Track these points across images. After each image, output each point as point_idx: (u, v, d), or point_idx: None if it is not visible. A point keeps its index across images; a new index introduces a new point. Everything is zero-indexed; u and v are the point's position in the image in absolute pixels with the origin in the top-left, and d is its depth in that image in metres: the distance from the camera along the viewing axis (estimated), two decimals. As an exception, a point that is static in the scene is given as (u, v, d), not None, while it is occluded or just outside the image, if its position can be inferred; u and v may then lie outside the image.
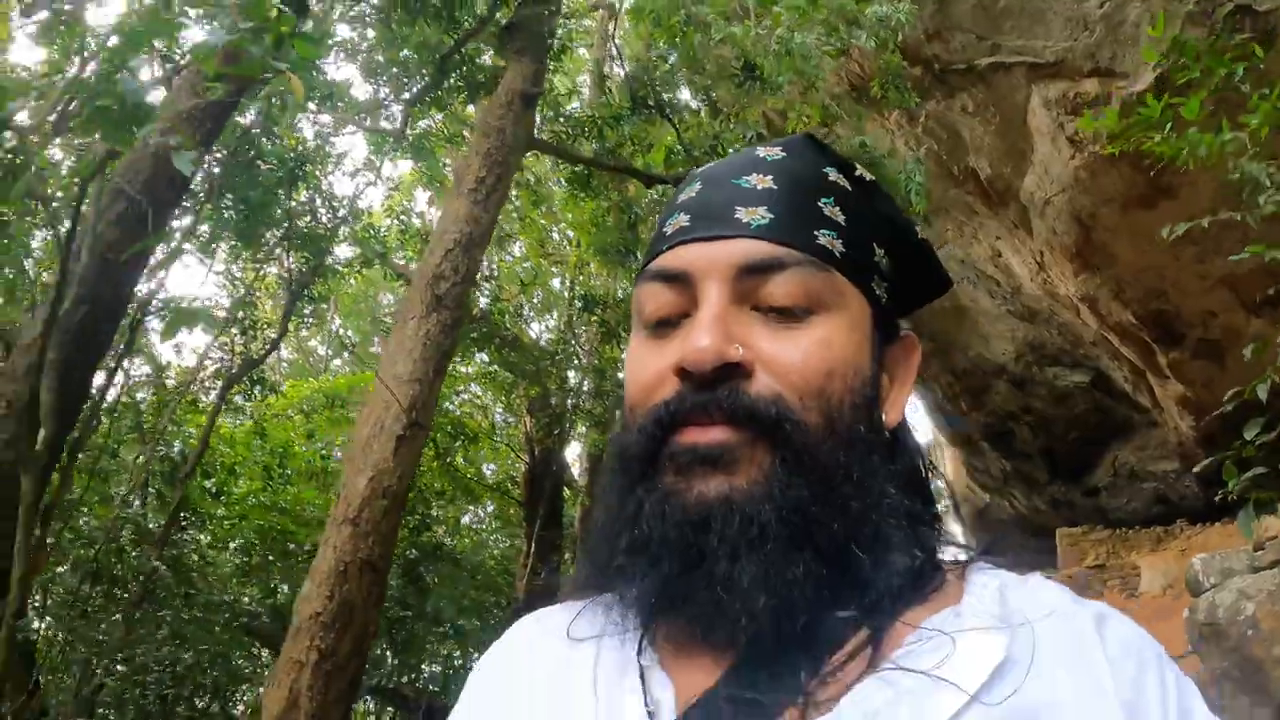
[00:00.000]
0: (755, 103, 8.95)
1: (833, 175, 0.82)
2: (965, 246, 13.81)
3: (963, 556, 0.80)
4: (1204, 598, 6.11)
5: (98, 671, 8.78)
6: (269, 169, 9.47)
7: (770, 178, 0.79)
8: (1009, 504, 16.26)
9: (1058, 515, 14.83)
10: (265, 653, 11.91)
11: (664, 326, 0.77)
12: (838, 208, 0.79)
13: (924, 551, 0.76)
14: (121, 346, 8.70)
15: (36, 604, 8.71)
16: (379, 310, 19.55)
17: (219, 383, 10.89)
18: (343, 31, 10.93)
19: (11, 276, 8.30)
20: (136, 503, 9.97)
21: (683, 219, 0.79)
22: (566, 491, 15.42)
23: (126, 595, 9.33)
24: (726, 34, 7.70)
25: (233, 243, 10.49)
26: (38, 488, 4.55)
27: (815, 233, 0.76)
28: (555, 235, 15.87)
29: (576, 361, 14.06)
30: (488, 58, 10.20)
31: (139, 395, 11.05)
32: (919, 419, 17.56)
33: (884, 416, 0.81)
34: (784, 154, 0.82)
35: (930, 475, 0.86)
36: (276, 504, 12.22)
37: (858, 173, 0.84)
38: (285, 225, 10.29)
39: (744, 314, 0.75)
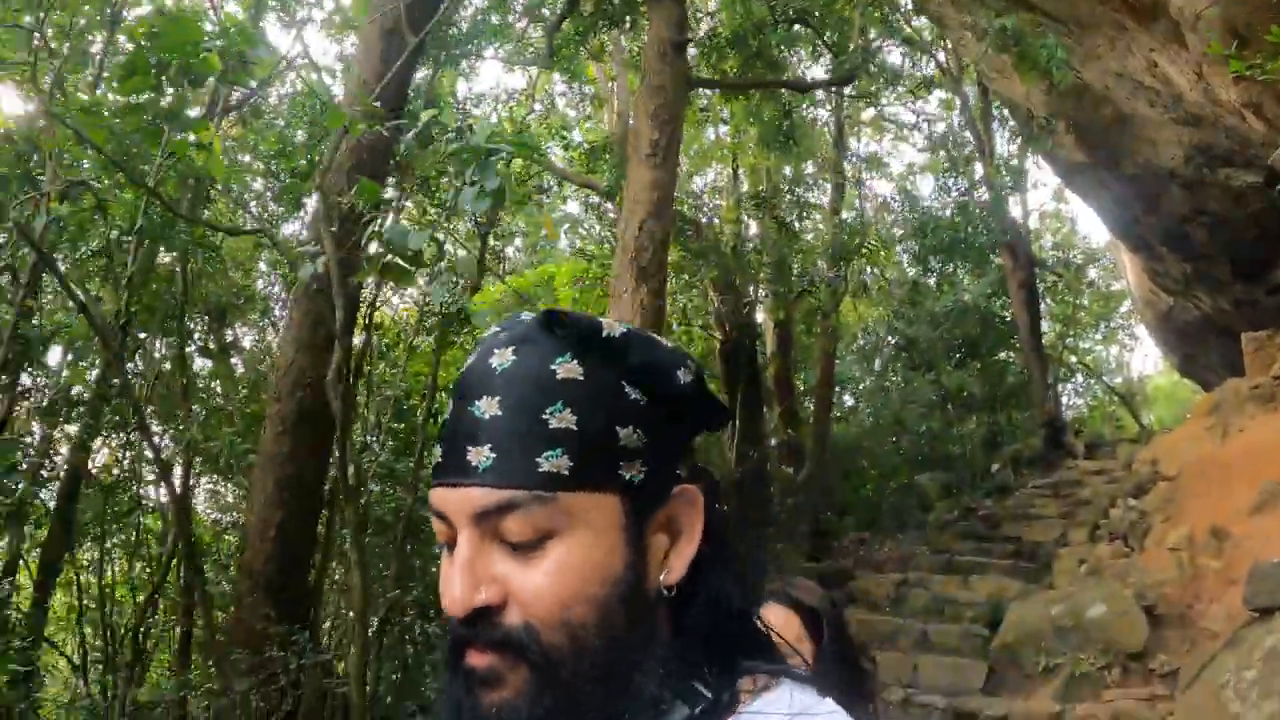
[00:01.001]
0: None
1: (563, 370, 0.85)
2: (1120, 60, 13.74)
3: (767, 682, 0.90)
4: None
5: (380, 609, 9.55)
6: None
7: (497, 401, 0.84)
8: (1193, 305, 16.32)
9: (1242, 317, 14.90)
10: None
11: (449, 547, 0.87)
12: (567, 409, 0.83)
13: (692, 708, 0.86)
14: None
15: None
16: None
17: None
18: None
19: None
20: (375, 445, 10.51)
21: (439, 452, 0.88)
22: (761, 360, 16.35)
23: (393, 539, 9.77)
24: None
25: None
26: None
27: (538, 460, 0.82)
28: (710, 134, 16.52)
29: (751, 245, 14.84)
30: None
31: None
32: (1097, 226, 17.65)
33: (665, 578, 0.89)
34: (514, 357, 0.86)
35: (743, 590, 0.96)
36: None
37: (605, 334, 0.87)
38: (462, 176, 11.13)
39: (493, 549, 0.84)
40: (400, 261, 4.40)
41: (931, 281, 17.55)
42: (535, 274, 17.44)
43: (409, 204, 10.57)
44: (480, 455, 0.83)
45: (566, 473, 0.82)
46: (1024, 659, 7.66)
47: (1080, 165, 16.11)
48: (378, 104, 7.29)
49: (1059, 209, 23.87)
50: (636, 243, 7.40)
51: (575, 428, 0.83)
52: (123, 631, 9.38)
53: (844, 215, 16.80)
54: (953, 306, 16.90)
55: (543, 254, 19.56)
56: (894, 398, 17.84)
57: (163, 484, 7.65)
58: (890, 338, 18.68)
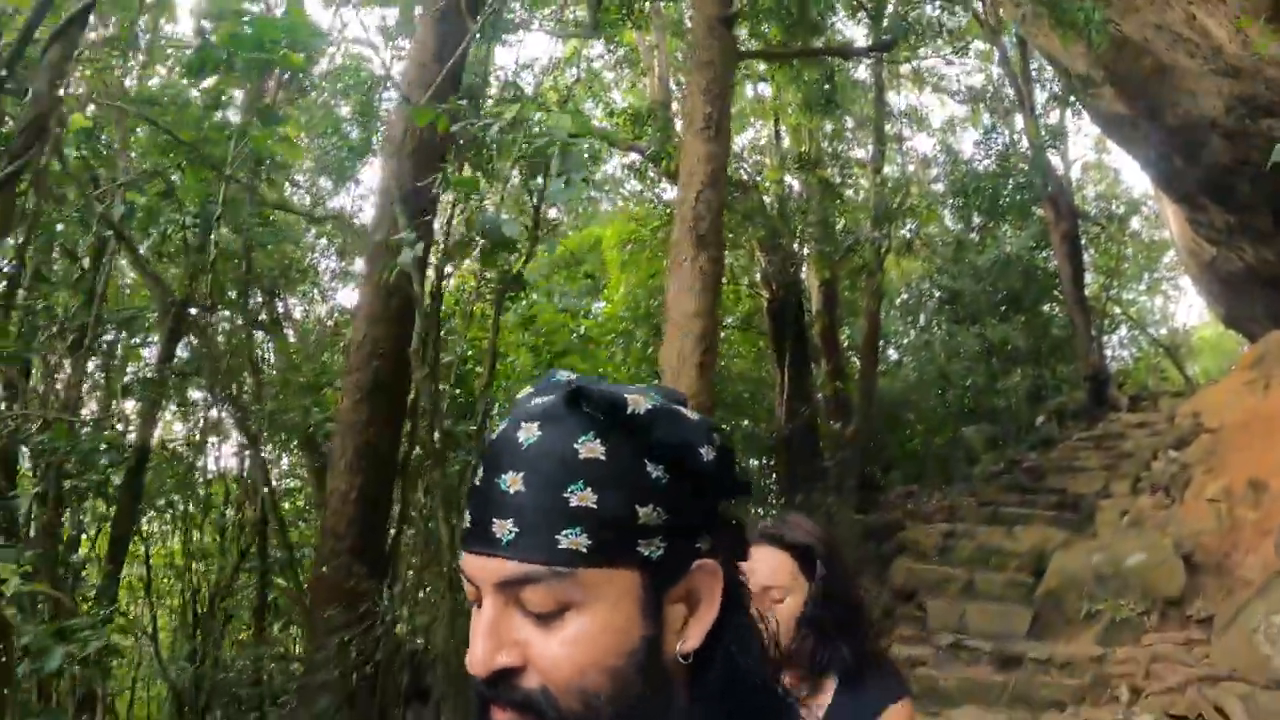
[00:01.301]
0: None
1: (585, 449, 0.88)
2: (1159, 12, 13.76)
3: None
4: None
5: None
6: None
7: (521, 477, 0.88)
8: (1236, 256, 16.31)
9: (1288, 266, 14.95)
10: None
11: (478, 605, 0.92)
12: (588, 489, 0.86)
13: None
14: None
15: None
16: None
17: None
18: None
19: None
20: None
21: (467, 518, 0.92)
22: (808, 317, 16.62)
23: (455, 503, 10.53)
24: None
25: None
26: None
27: (558, 538, 0.86)
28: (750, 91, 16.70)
29: (795, 205, 15.08)
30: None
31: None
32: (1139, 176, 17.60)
33: (682, 646, 0.92)
34: (540, 433, 0.89)
35: (759, 646, 1.00)
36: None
37: (630, 411, 0.90)
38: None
39: (515, 615, 0.89)
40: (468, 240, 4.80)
41: (974, 235, 17.65)
42: (582, 235, 17.79)
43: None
44: (504, 529, 0.87)
45: (585, 550, 0.86)
46: (1067, 605, 8.02)
47: (1120, 117, 16.14)
48: (437, 81, 7.72)
49: (1101, 159, 23.66)
50: (694, 212, 7.69)
51: (595, 507, 0.86)
52: (204, 597, 9.90)
53: (886, 172, 16.96)
54: (995, 260, 17.00)
55: (585, 215, 19.87)
56: (938, 352, 18.08)
57: (248, 454, 8.09)
58: (934, 291, 18.83)
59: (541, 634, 0.87)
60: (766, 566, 2.34)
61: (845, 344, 18.24)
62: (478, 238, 4.71)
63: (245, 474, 9.95)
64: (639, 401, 0.89)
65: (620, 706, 0.86)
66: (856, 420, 14.70)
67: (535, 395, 0.95)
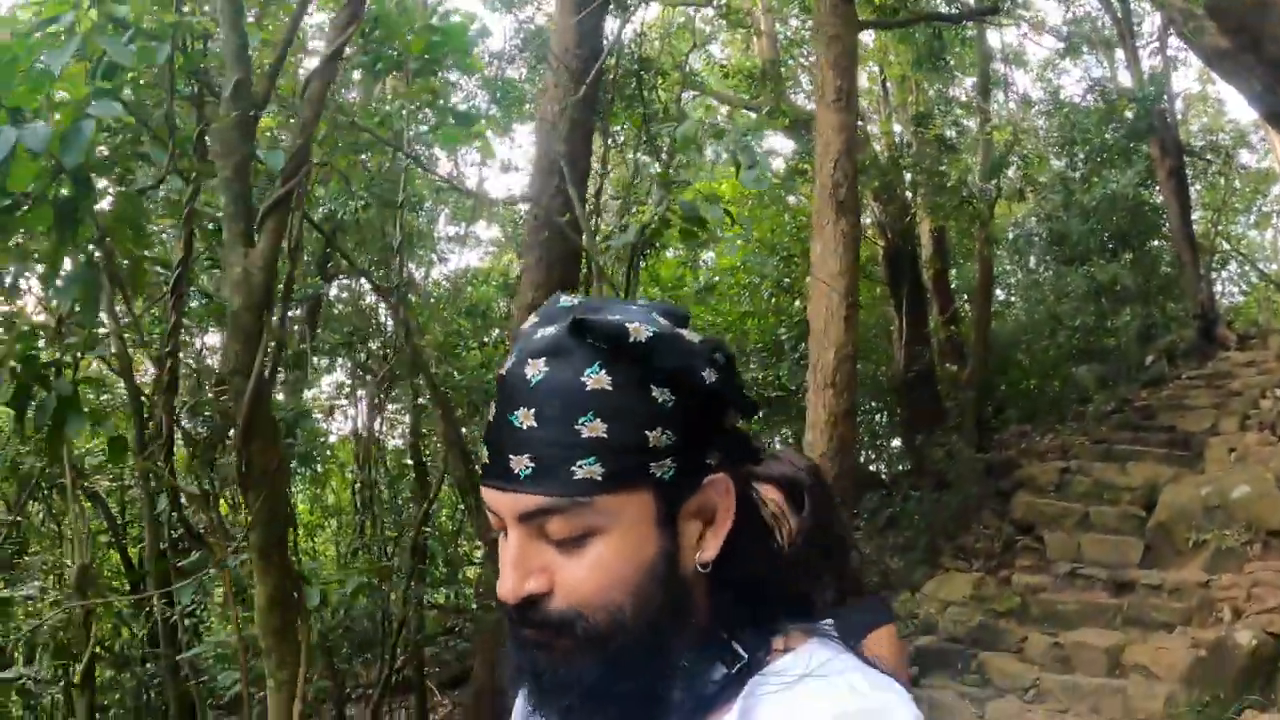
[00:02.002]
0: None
1: (592, 381, 0.90)
2: (1261, -54, 13.79)
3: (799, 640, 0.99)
4: None
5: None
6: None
7: (533, 412, 0.90)
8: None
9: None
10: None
11: (504, 534, 0.95)
12: (598, 420, 0.89)
13: (728, 668, 0.96)
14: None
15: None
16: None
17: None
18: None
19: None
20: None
21: (485, 453, 0.96)
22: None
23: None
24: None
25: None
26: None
27: (574, 469, 0.89)
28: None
29: (909, 158, 15.62)
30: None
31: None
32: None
33: (700, 556, 0.97)
34: (546, 369, 0.92)
35: (773, 552, 1.07)
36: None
37: (631, 340, 0.91)
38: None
39: (539, 543, 0.93)
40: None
41: (1077, 175, 17.57)
42: (699, 187, 18.46)
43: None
44: (521, 464, 0.90)
45: (600, 478, 0.89)
46: (1176, 536, 8.62)
47: (1222, 50, 16.10)
48: (578, 55, 8.42)
49: (1205, 91, 23.22)
50: (833, 180, 8.45)
51: (606, 436, 0.89)
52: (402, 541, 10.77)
53: (992, 116, 17.28)
54: (1102, 199, 16.87)
55: (693, 169, 20.52)
56: (1047, 293, 18.21)
57: (443, 418, 8.93)
58: (1041, 232, 18.81)
59: (566, 559, 0.92)
60: (769, 497, 2.27)
61: (956, 287, 18.65)
62: (671, 219, 5.52)
63: (412, 435, 10.85)
64: (640, 330, 0.92)
65: (644, 618, 0.92)
66: (971, 362, 15.27)
67: (540, 325, 0.97)
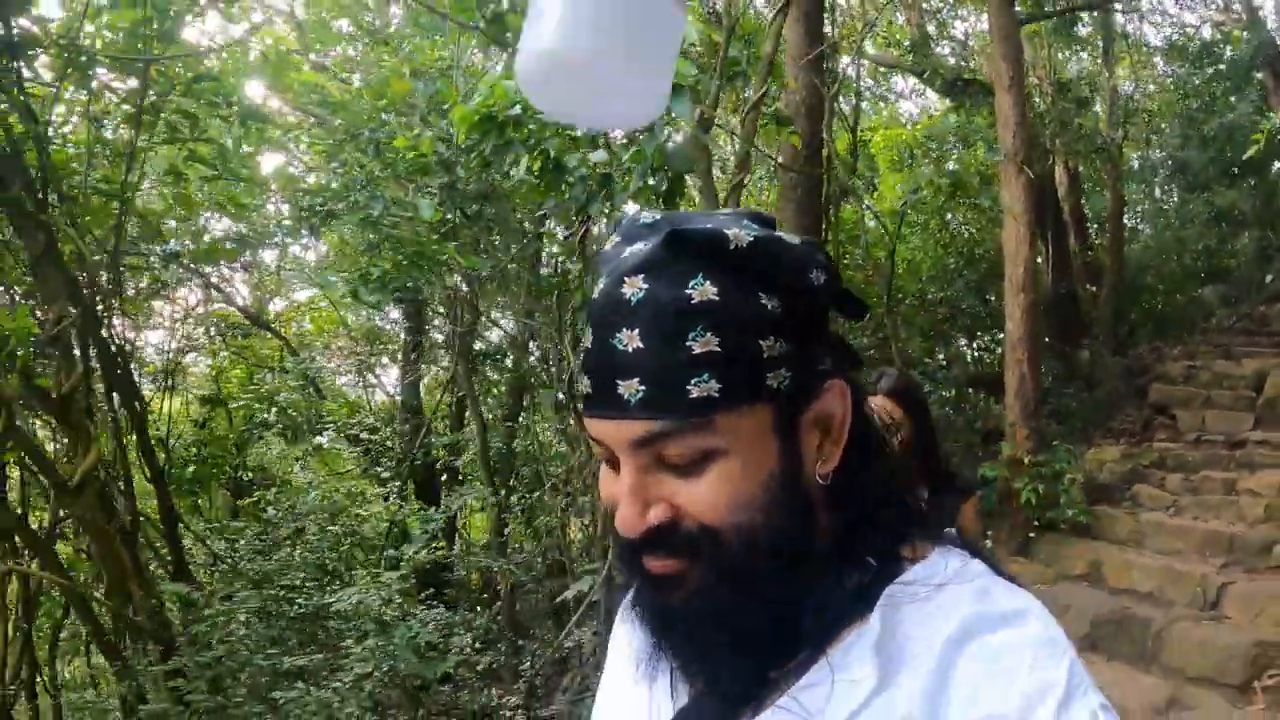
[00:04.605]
0: None
1: (698, 293, 0.84)
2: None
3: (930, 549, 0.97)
4: None
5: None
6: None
7: (637, 333, 0.84)
8: None
9: None
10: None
11: (610, 464, 0.91)
12: (709, 333, 0.83)
13: (860, 578, 0.93)
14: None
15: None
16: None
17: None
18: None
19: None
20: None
21: (586, 384, 0.89)
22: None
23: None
24: None
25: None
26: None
27: (689, 388, 0.83)
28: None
29: (1044, 110, 17.37)
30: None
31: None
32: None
33: (821, 467, 0.92)
34: (646, 286, 0.85)
35: (888, 458, 1.03)
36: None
37: (732, 246, 0.85)
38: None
39: (656, 471, 0.88)
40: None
41: (1195, 103, 17.97)
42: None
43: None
44: (630, 389, 0.85)
45: (716, 395, 0.84)
46: (1278, 410, 10.37)
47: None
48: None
49: None
50: (1013, 148, 10.28)
51: (719, 349, 0.84)
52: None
53: (1114, 63, 18.26)
54: (1219, 128, 17.05)
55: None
56: (1172, 219, 18.99)
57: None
58: (1164, 161, 19.53)
59: (686, 484, 0.88)
60: (879, 408, 2.50)
61: (1089, 217, 19.61)
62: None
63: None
64: (740, 235, 0.86)
65: (771, 535, 0.88)
66: (1107, 284, 16.77)
67: (625, 243, 0.91)
